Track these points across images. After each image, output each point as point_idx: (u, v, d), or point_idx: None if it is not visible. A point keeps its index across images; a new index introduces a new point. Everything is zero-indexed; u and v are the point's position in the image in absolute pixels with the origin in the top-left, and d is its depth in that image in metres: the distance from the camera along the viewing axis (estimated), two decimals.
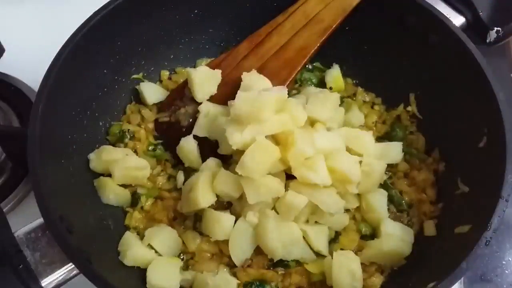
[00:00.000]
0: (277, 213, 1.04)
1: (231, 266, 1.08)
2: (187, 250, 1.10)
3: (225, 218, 1.05)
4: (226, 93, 1.18)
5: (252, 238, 1.05)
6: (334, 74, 1.33)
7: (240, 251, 1.05)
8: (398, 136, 1.23)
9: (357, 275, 1.02)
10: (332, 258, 1.03)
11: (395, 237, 1.07)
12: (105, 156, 1.14)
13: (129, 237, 1.08)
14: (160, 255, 1.07)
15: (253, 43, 1.24)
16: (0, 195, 1.25)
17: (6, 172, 1.30)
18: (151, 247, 1.07)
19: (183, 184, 1.15)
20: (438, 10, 1.16)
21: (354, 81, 1.35)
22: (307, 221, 1.07)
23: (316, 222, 1.08)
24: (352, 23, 1.25)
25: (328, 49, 1.27)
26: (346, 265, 1.02)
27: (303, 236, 1.06)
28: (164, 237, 1.09)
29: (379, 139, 1.25)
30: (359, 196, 1.12)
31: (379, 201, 1.11)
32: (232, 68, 1.23)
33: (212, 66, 1.24)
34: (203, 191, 1.05)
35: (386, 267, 1.09)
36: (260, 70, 1.19)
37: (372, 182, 1.10)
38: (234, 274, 1.06)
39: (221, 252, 1.09)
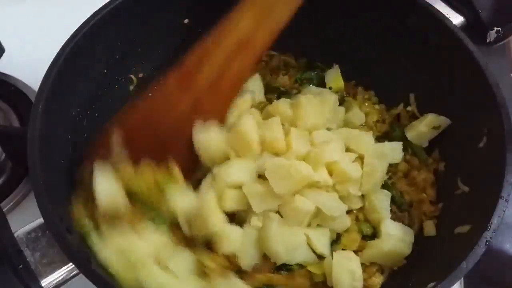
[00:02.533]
0: (281, 216, 1.04)
1: (239, 271, 1.06)
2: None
3: (234, 232, 1.03)
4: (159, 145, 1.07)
5: (259, 243, 1.04)
6: (334, 75, 1.33)
7: (248, 257, 1.04)
8: (397, 136, 1.23)
9: (357, 275, 1.02)
10: (332, 258, 1.03)
11: (395, 237, 1.07)
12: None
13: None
14: (176, 277, 1.00)
15: (181, 80, 1.08)
16: (0, 195, 1.24)
17: (6, 172, 1.30)
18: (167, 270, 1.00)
19: None
20: (438, 10, 1.16)
21: (354, 81, 1.35)
22: (308, 224, 1.07)
23: (318, 225, 1.08)
24: (352, 23, 1.26)
25: (328, 49, 1.27)
26: (346, 265, 1.02)
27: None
28: (180, 258, 1.02)
29: (379, 138, 1.25)
30: (363, 196, 1.12)
31: (382, 202, 1.11)
32: (164, 113, 1.08)
33: (141, 111, 1.11)
34: (213, 215, 1.02)
35: (386, 267, 1.09)
36: (195, 110, 1.07)
37: (374, 182, 1.10)
38: (242, 279, 1.04)
39: (229, 261, 1.06)
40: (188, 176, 1.07)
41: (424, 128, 1.19)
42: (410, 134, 1.21)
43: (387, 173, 1.17)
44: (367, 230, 1.12)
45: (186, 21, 1.30)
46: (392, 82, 1.27)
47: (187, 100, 1.07)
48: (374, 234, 1.12)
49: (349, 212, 1.11)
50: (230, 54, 1.07)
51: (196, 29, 1.32)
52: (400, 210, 1.16)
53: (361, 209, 1.13)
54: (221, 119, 1.09)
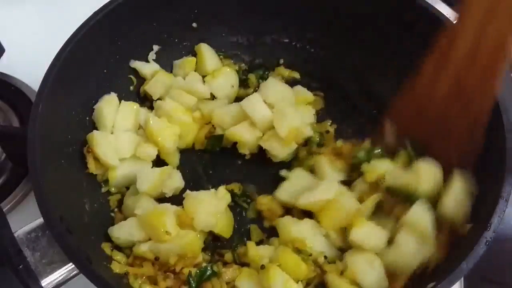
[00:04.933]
0: None
1: None
2: None
3: None
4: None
5: None
6: None
7: None
8: None
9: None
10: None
11: (407, 249, 1.01)
12: None
13: None
14: None
15: (437, 63, 1.04)
16: (0, 195, 1.25)
17: (6, 172, 1.29)
18: None
19: None
20: (438, 10, 1.16)
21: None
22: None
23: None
24: (350, 23, 1.26)
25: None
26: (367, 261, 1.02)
27: None
28: None
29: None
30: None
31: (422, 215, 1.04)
32: (428, 100, 1.07)
33: (408, 102, 1.11)
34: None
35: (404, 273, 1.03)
36: (458, 89, 1.01)
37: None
38: None
39: None
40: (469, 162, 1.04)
41: None
42: None
43: None
44: None
45: (194, 24, 1.31)
46: (392, 82, 1.27)
47: (447, 80, 1.03)
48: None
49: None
50: (482, 20, 0.95)
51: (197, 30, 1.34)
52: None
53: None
54: (491, 88, 0.99)
